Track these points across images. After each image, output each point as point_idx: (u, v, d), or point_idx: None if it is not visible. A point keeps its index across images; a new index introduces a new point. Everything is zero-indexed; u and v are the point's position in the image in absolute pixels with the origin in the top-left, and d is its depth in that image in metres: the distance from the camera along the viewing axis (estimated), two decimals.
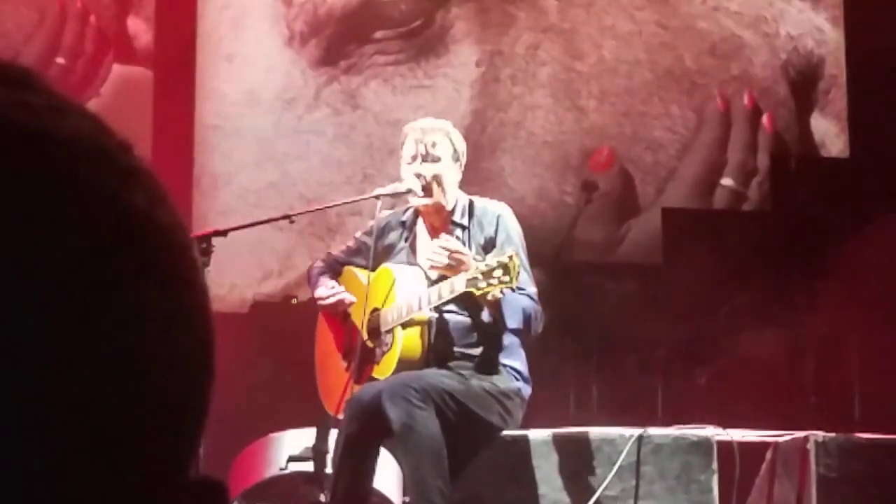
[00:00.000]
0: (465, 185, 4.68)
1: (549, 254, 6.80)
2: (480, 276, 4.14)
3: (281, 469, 4.96)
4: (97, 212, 0.60)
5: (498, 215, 4.54)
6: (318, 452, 4.69)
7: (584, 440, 4.60)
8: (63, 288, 0.58)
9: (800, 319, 6.80)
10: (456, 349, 4.47)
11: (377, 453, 4.40)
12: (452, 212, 4.57)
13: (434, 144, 4.52)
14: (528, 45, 7.82)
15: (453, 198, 4.59)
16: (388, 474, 4.75)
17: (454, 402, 4.29)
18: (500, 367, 4.48)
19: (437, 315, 4.42)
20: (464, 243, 4.49)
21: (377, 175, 7.28)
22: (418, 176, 4.49)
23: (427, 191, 4.49)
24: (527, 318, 4.38)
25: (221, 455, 4.93)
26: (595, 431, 4.66)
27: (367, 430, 4.31)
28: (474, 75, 7.74)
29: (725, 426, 4.77)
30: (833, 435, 4.66)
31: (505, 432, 4.46)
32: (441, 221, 4.58)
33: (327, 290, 4.69)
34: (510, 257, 4.12)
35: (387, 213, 4.75)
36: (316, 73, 7.62)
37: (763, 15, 7.99)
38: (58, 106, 0.62)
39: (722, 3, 7.95)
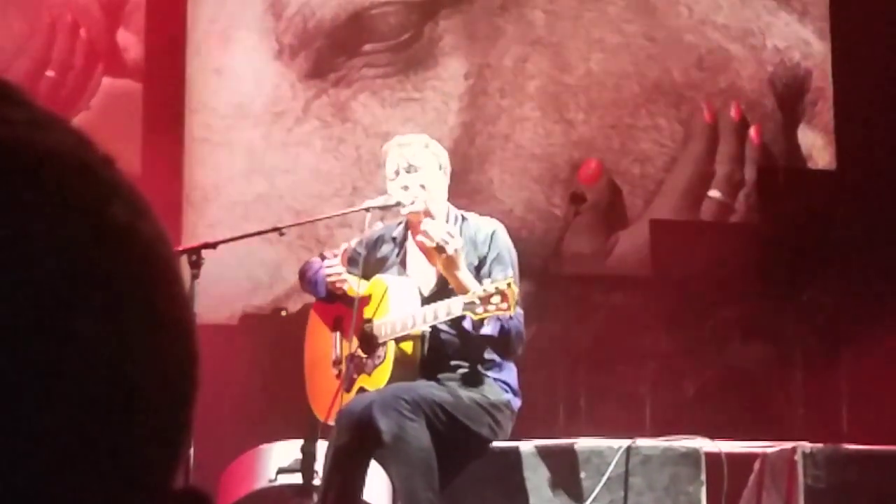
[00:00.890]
0: (453, 197, 4.69)
1: (537, 266, 6.81)
2: (478, 301, 4.15)
3: (270, 481, 4.96)
4: (78, 225, 0.60)
5: (492, 232, 4.53)
6: (306, 462, 4.69)
7: (573, 451, 4.61)
8: (44, 302, 0.58)
9: (787, 330, 6.83)
10: (447, 362, 4.48)
11: (367, 465, 4.40)
12: None
13: (414, 156, 4.54)
14: (516, 58, 7.84)
15: (443, 211, 4.59)
16: (377, 486, 4.76)
17: (444, 413, 4.30)
18: (491, 380, 4.49)
19: (430, 329, 4.43)
20: None
21: (366, 187, 7.29)
22: (405, 188, 4.50)
23: (415, 200, 4.50)
24: (504, 332, 4.32)
25: (211, 466, 4.94)
26: (584, 443, 4.68)
27: (358, 441, 4.31)
28: (463, 88, 7.77)
29: (713, 437, 4.79)
30: (821, 446, 4.68)
31: (495, 444, 4.47)
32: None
33: (332, 262, 4.62)
34: (508, 284, 4.12)
35: (381, 225, 4.76)
36: (305, 85, 7.64)
37: (750, 28, 8.03)
38: (39, 120, 0.62)
39: (709, 16, 7.99)
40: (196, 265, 4.31)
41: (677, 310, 6.86)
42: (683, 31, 7.96)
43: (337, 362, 4.68)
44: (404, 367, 4.42)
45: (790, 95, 7.99)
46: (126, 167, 0.66)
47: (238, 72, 7.60)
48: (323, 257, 4.82)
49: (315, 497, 4.58)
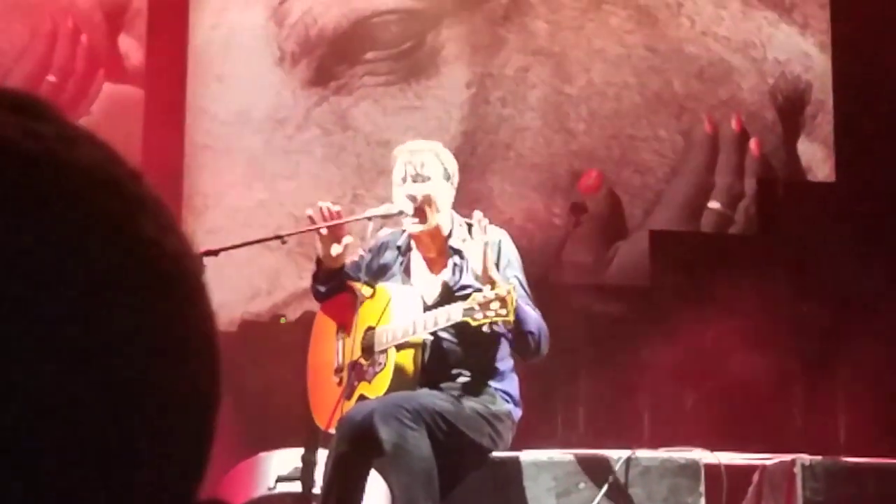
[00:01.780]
0: (454, 206, 4.69)
1: (537, 275, 6.81)
2: (477, 307, 4.15)
3: (269, 489, 4.96)
4: (107, 241, 0.60)
5: (499, 241, 4.54)
6: (306, 470, 4.69)
7: (573, 462, 4.62)
8: (75, 316, 0.59)
9: (786, 342, 6.83)
10: (449, 371, 4.48)
11: (367, 473, 4.40)
12: (449, 236, 4.57)
13: (423, 164, 4.52)
14: (517, 68, 7.86)
15: (447, 219, 4.58)
16: (377, 495, 4.76)
17: (445, 423, 4.30)
18: (492, 390, 4.49)
19: (431, 337, 4.43)
20: (462, 270, 4.49)
21: (366, 195, 7.30)
22: (410, 197, 4.49)
23: (419, 213, 4.49)
24: (539, 329, 4.36)
25: (210, 475, 4.93)
26: (584, 453, 4.68)
27: (358, 449, 4.31)
28: (464, 97, 7.78)
29: (713, 449, 4.80)
30: (820, 458, 4.68)
31: (495, 454, 4.47)
32: (437, 245, 4.58)
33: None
34: (508, 291, 4.13)
35: (388, 231, 4.76)
36: (306, 93, 7.65)
37: (751, 40, 8.04)
38: (68, 136, 0.62)
39: (710, 27, 8.01)
40: None
41: (676, 320, 6.86)
42: (685, 43, 7.98)
43: (339, 370, 4.68)
44: (405, 375, 4.42)
45: (790, 108, 8.01)
46: None
47: (240, 79, 7.61)
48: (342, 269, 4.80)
49: None
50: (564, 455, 4.67)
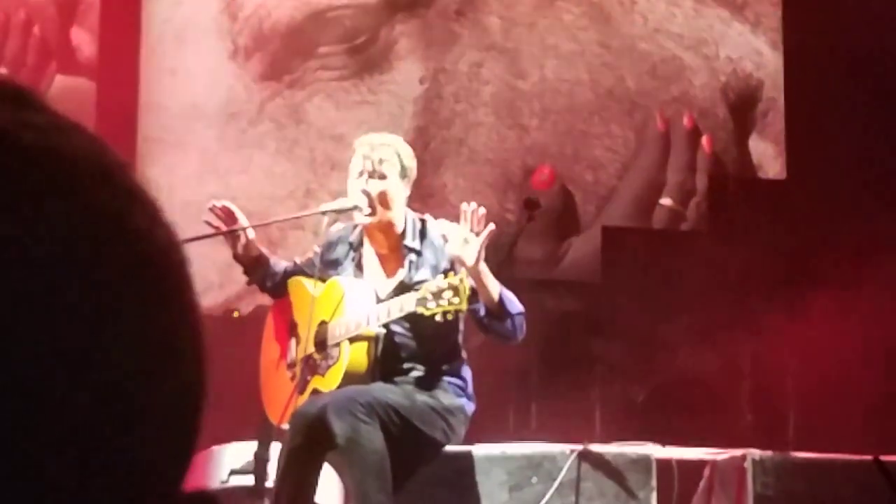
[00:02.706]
0: (408, 200, 4.69)
1: (490, 270, 6.83)
2: (430, 297, 4.16)
3: (222, 482, 4.94)
4: (103, 231, 0.60)
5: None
6: (259, 463, 4.69)
7: (525, 456, 4.64)
8: (69, 306, 0.59)
9: (736, 338, 6.88)
10: (402, 365, 4.49)
11: (320, 467, 4.40)
12: (403, 234, 4.56)
13: (381, 161, 4.51)
14: (471, 63, 7.86)
15: (401, 216, 4.58)
16: (330, 488, 4.76)
17: (398, 417, 4.31)
18: (445, 384, 4.50)
19: (384, 331, 4.44)
20: (417, 267, 4.50)
21: (320, 190, 7.29)
22: (365, 193, 4.49)
23: (372, 209, 4.49)
24: (520, 312, 4.37)
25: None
26: (536, 447, 4.70)
27: (312, 443, 4.31)
28: (417, 92, 7.78)
29: (664, 444, 4.83)
30: (770, 453, 4.72)
31: (448, 448, 4.49)
32: (390, 242, 4.58)
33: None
34: (460, 279, 4.15)
35: (339, 226, 4.76)
36: (259, 87, 7.62)
37: (703, 37, 8.09)
38: (60, 125, 0.63)
39: (663, 24, 8.05)
40: None
41: (628, 316, 6.90)
42: (638, 40, 8.02)
43: (292, 365, 4.68)
44: (358, 368, 4.42)
45: (742, 105, 8.07)
46: None
47: (192, 72, 7.57)
48: (294, 264, 4.81)
49: (267, 499, 4.57)
50: (517, 449, 4.69)
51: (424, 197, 7.14)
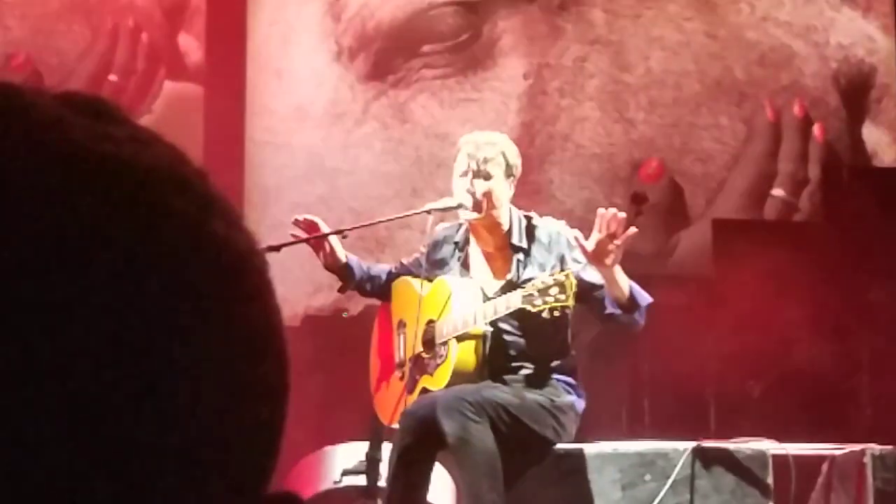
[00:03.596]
0: (513, 197, 4.66)
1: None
2: (536, 293, 4.14)
3: (335, 482, 4.98)
4: (182, 241, 0.61)
5: (559, 231, 4.52)
6: (371, 463, 4.71)
7: (637, 454, 4.59)
8: (154, 318, 0.59)
9: (853, 330, 6.75)
10: (511, 363, 4.47)
11: (431, 466, 4.40)
12: (510, 233, 4.54)
13: (486, 161, 4.47)
14: (575, 57, 7.82)
15: (507, 214, 4.55)
16: (442, 487, 4.75)
17: (508, 415, 4.29)
18: (555, 382, 4.47)
19: (492, 329, 4.42)
20: (524, 266, 4.47)
21: (426, 188, 7.30)
22: (470, 193, 4.47)
23: (477, 208, 4.47)
24: (649, 302, 4.39)
25: (275, 469, 4.95)
26: (649, 445, 4.65)
27: (422, 442, 4.31)
28: (522, 88, 7.75)
29: (780, 439, 4.75)
30: (890, 448, 4.62)
31: (559, 446, 4.46)
32: (496, 240, 4.56)
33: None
34: (567, 275, 4.11)
35: (444, 226, 4.75)
36: (364, 87, 7.66)
37: (813, 24, 7.95)
38: (138, 137, 0.63)
39: (771, 12, 7.92)
40: None
41: (741, 310, 6.80)
42: (745, 28, 7.90)
43: (400, 365, 4.69)
44: (466, 366, 4.41)
45: (854, 92, 7.91)
46: None
47: (298, 74, 7.63)
48: (401, 265, 4.82)
49: (379, 499, 4.59)
50: (630, 447, 4.64)
51: (530, 193, 7.11)
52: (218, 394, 0.61)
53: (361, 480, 4.78)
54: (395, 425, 4.47)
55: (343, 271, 4.72)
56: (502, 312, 4.31)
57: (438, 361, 4.48)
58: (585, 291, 4.37)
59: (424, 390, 4.50)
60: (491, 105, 7.70)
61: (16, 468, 0.57)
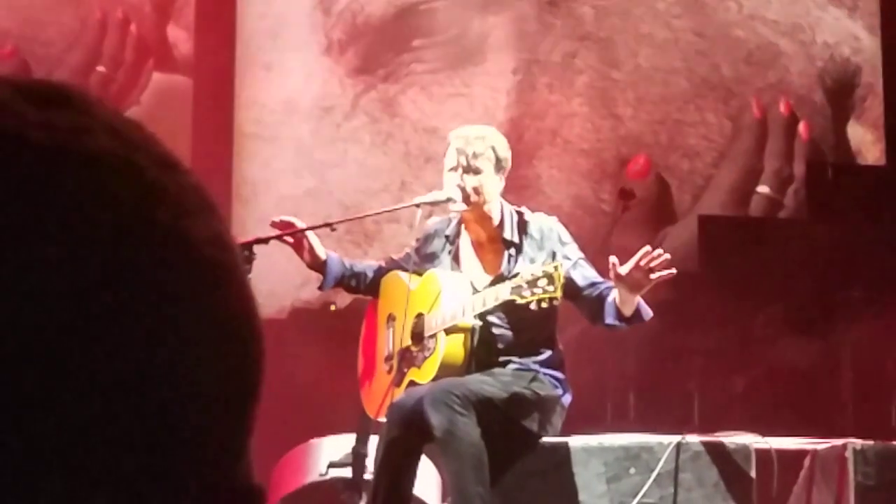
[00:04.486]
0: (502, 192, 4.68)
1: (586, 261, 6.81)
2: (525, 285, 4.15)
3: (321, 475, 4.99)
4: (118, 228, 0.60)
5: (552, 226, 4.54)
6: (357, 456, 4.72)
7: (622, 447, 4.62)
8: (83, 304, 0.59)
9: (836, 326, 6.80)
10: (498, 356, 4.49)
11: (418, 459, 4.42)
12: (501, 227, 4.55)
13: (476, 155, 4.46)
14: (564, 54, 7.84)
15: (497, 209, 4.56)
16: (427, 480, 4.78)
17: (495, 409, 4.31)
18: (541, 376, 4.49)
19: (480, 322, 4.44)
20: (515, 262, 4.48)
21: (414, 182, 7.32)
22: (460, 187, 4.47)
23: (467, 201, 4.48)
24: (650, 316, 4.42)
25: (261, 461, 4.97)
26: (634, 438, 4.68)
27: (409, 435, 4.33)
28: (511, 83, 7.77)
29: (763, 434, 4.78)
30: (871, 443, 4.66)
31: (545, 439, 4.48)
32: (487, 234, 4.57)
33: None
34: (555, 267, 4.13)
35: (436, 219, 4.76)
36: (353, 81, 7.67)
37: (799, 23, 7.99)
38: (82, 126, 0.62)
39: (758, 11, 7.96)
40: (248, 260, 4.33)
41: (726, 305, 6.84)
42: (732, 27, 7.94)
43: (389, 358, 4.70)
44: (454, 359, 4.42)
45: (840, 91, 7.95)
46: None
47: (287, 67, 7.64)
48: (391, 260, 4.83)
49: (365, 492, 4.60)
50: (615, 440, 4.67)
51: (519, 188, 7.12)
52: (174, 385, 0.60)
53: (347, 473, 4.79)
54: (382, 418, 4.49)
55: (322, 269, 4.71)
56: (491, 305, 4.33)
57: (426, 354, 4.49)
58: (575, 291, 4.40)
59: (412, 383, 4.51)
60: (480, 100, 7.72)
61: None
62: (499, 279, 4.45)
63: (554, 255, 4.43)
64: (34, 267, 0.58)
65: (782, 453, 4.72)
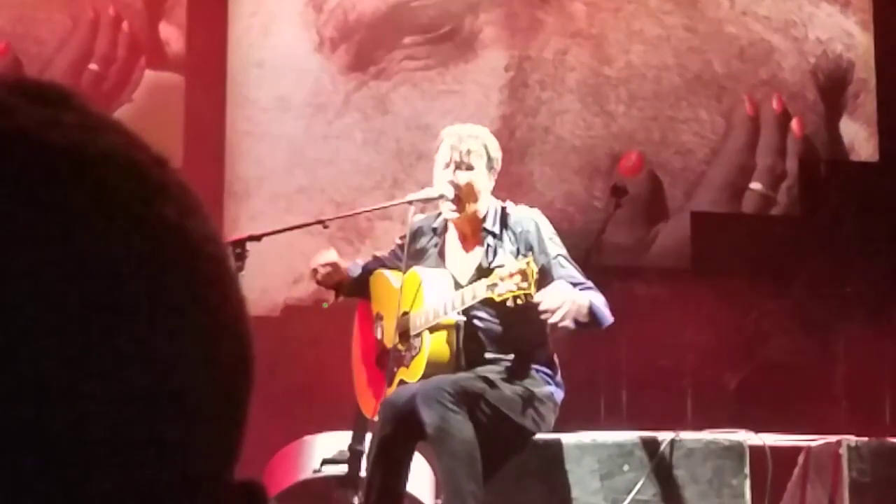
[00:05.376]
0: (494, 189, 4.68)
1: (577, 258, 6.78)
2: (499, 282, 4.15)
3: (315, 471, 4.99)
4: (126, 226, 0.61)
5: (535, 221, 4.54)
6: (353, 453, 4.72)
7: (616, 444, 4.61)
8: (90, 302, 0.59)
9: (830, 323, 6.80)
10: (487, 354, 4.49)
11: (411, 456, 4.41)
12: (484, 219, 4.57)
13: (469, 152, 4.50)
14: (556, 50, 7.84)
15: (485, 205, 4.58)
16: (421, 477, 4.77)
17: (487, 405, 4.31)
18: (534, 372, 4.49)
19: (464, 319, 4.43)
20: (494, 251, 4.49)
21: (406, 180, 7.31)
22: (452, 184, 4.49)
23: (458, 201, 4.49)
24: (610, 322, 4.40)
25: (255, 458, 4.97)
26: (627, 435, 4.68)
27: (401, 432, 4.33)
28: (503, 80, 7.77)
29: (757, 430, 4.78)
30: (865, 439, 4.66)
31: (538, 436, 4.48)
32: (472, 229, 4.58)
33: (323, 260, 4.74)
34: (528, 263, 4.12)
35: (420, 217, 4.77)
36: (345, 78, 7.66)
37: (792, 19, 7.99)
38: (90, 124, 0.63)
39: (751, 7, 7.96)
40: (241, 258, 4.33)
41: (719, 302, 6.84)
42: (725, 23, 7.94)
43: (379, 357, 4.71)
44: (440, 357, 4.42)
45: (832, 87, 7.96)
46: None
47: (279, 65, 7.63)
48: (374, 258, 4.84)
49: (360, 489, 4.60)
50: (608, 437, 4.67)
51: (511, 185, 7.12)
52: (170, 381, 0.61)
53: (341, 470, 4.79)
54: (377, 417, 4.48)
55: (340, 285, 4.78)
56: (469, 302, 4.33)
57: (413, 353, 4.49)
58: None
59: (402, 382, 4.51)
60: (472, 97, 7.72)
61: None
62: (479, 271, 4.45)
63: (531, 249, 4.43)
64: (50, 261, 0.58)
65: (776, 450, 4.72)
